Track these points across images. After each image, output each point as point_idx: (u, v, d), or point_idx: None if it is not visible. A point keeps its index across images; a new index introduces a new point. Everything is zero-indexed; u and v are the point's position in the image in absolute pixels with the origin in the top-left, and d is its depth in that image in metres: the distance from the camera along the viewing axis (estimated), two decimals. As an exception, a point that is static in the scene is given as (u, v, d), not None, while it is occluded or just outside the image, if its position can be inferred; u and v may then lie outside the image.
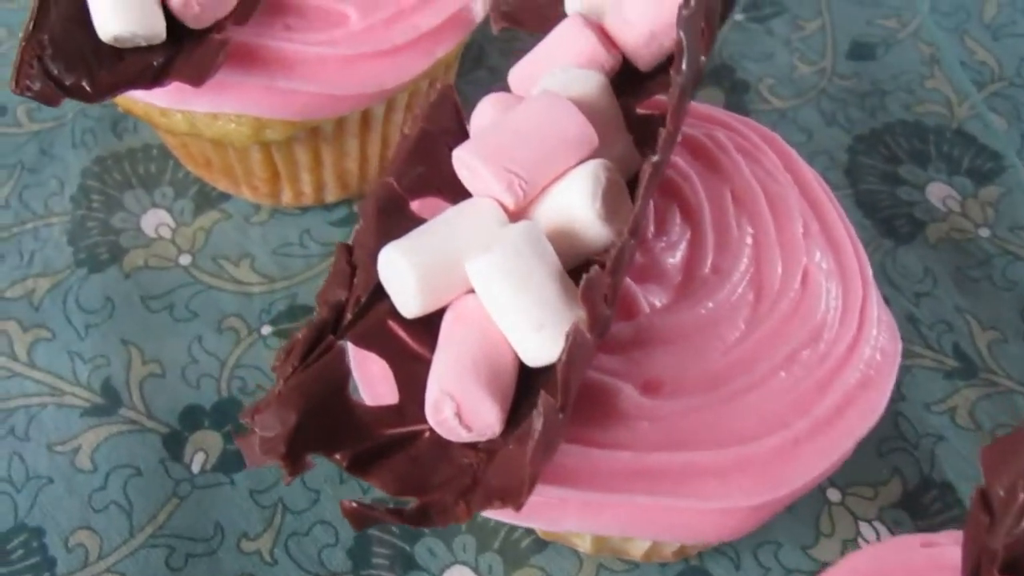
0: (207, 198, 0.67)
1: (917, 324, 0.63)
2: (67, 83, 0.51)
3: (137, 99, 0.56)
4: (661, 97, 0.53)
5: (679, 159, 0.53)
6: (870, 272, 0.51)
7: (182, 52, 0.53)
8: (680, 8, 0.48)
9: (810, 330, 0.48)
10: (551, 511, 0.46)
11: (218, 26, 0.53)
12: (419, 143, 0.49)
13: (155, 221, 0.66)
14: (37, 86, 0.50)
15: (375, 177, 0.65)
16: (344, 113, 0.57)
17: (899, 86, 0.72)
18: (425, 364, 0.44)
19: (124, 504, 0.56)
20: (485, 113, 0.49)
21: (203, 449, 0.58)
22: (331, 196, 0.65)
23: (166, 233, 0.65)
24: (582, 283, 0.41)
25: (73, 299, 0.63)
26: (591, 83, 0.48)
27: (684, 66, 0.47)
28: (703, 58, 0.50)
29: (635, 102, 0.52)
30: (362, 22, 0.56)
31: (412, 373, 0.45)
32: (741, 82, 0.72)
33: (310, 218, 0.66)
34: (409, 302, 0.44)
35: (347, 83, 0.55)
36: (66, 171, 0.67)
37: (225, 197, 0.67)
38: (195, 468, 0.57)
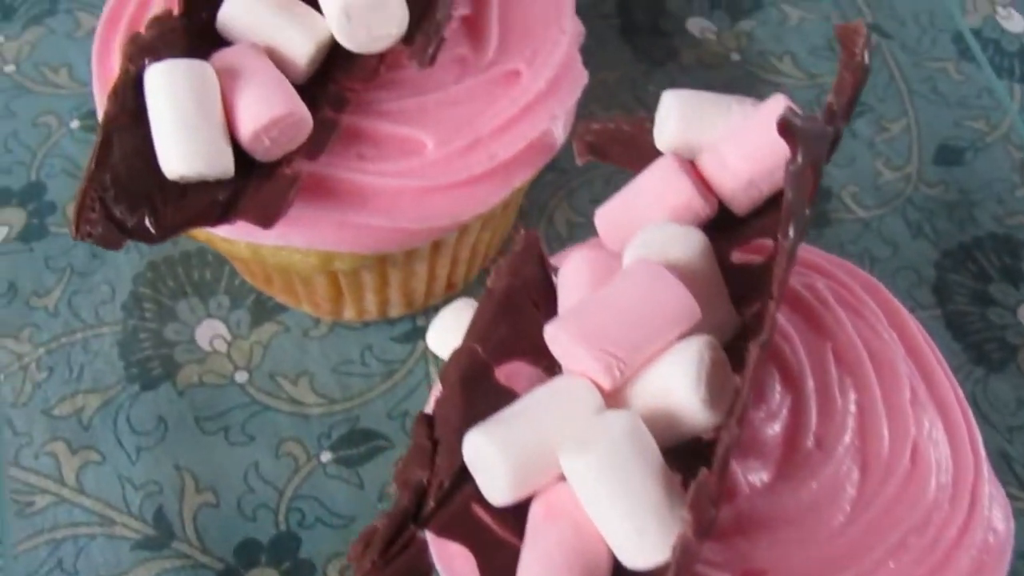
0: (264, 308, 0.64)
1: (1011, 462, 0.60)
2: (129, 225, 0.48)
3: (199, 225, 0.53)
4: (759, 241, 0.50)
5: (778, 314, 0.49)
6: (980, 442, 0.48)
7: (249, 186, 0.50)
8: (787, 164, 0.45)
9: (920, 513, 0.45)
10: None
11: (287, 158, 0.50)
12: (504, 301, 0.46)
13: (210, 333, 0.63)
14: (99, 231, 0.47)
15: (441, 293, 0.62)
16: (417, 245, 0.54)
17: (988, 195, 0.69)
18: (512, 551, 0.41)
19: (177, 651, 0.53)
20: (576, 273, 0.46)
21: (260, 589, 0.55)
22: (395, 312, 0.62)
23: (221, 347, 0.62)
24: (691, 492, 0.38)
25: (124, 418, 0.60)
26: (691, 245, 0.45)
27: (792, 231, 0.44)
28: (808, 211, 0.46)
29: (729, 247, 0.49)
30: (438, 151, 0.53)
31: (497, 562, 0.42)
32: (823, 189, 0.69)
33: (372, 333, 0.63)
34: (498, 492, 0.41)
35: (422, 216, 0.52)
36: (117, 276, 0.64)
37: (283, 307, 0.63)
38: (251, 611, 0.55)
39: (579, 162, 0.53)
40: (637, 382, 0.42)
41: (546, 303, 0.47)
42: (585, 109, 0.59)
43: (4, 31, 0.73)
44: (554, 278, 0.48)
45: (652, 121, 0.53)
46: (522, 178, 0.55)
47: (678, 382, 0.41)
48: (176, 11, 0.51)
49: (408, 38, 0.51)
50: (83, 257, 0.65)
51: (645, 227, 0.46)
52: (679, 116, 0.50)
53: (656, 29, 0.74)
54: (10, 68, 0.72)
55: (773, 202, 0.49)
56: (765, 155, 0.48)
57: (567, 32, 0.57)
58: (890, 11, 0.76)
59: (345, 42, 0.51)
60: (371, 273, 0.57)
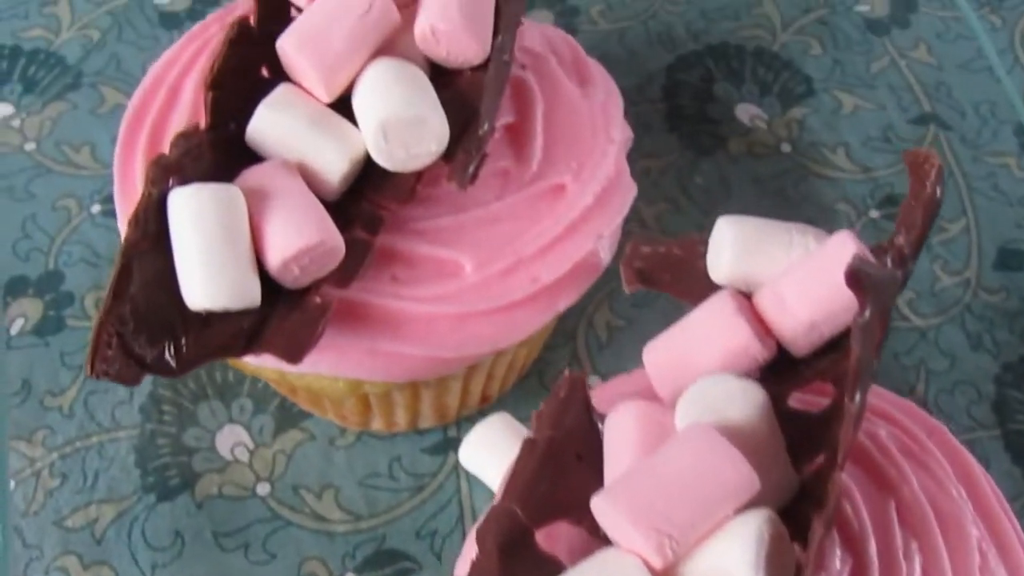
0: (289, 414, 0.60)
1: (1076, 603, 0.56)
2: (148, 359, 0.45)
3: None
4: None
5: (838, 470, 0.46)
6: (1053, 612, 0.44)
7: (276, 315, 0.47)
8: (855, 317, 0.42)
9: None
10: None
11: (316, 284, 0.47)
12: (546, 454, 0.43)
13: (231, 440, 0.60)
14: (115, 368, 0.44)
15: (475, 405, 0.59)
16: (451, 372, 0.51)
17: (1053, 304, 0.65)
18: None
19: None
20: (624, 428, 0.43)
21: None
22: (425, 424, 0.59)
23: (243, 455, 0.59)
24: None
25: (139, 532, 0.57)
26: (750, 404, 0.42)
27: (858, 395, 0.41)
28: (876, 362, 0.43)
29: (787, 390, 0.46)
30: (477, 274, 0.50)
31: None
32: (877, 295, 0.65)
33: (400, 443, 0.60)
34: None
35: (458, 344, 0.49)
36: (137, 375, 0.61)
37: (308, 413, 0.60)
38: None
39: (628, 290, 0.49)
40: (690, 561, 0.39)
41: (591, 455, 0.44)
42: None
43: (25, 106, 0.70)
44: (600, 425, 0.45)
45: (704, 244, 0.50)
46: (566, 302, 0.51)
47: (735, 564, 0.38)
48: (203, 124, 0.48)
49: (448, 155, 0.48)
50: (101, 354, 0.62)
51: (700, 380, 0.43)
52: (734, 247, 0.47)
53: (704, 116, 0.71)
54: (30, 146, 0.69)
55: (834, 343, 0.46)
56: (829, 298, 0.45)
57: (616, 141, 0.54)
58: (949, 100, 0.72)
59: (382, 161, 0.48)
60: (402, 393, 0.54)
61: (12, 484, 0.58)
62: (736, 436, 0.40)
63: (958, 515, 0.45)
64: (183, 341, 0.45)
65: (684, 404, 0.42)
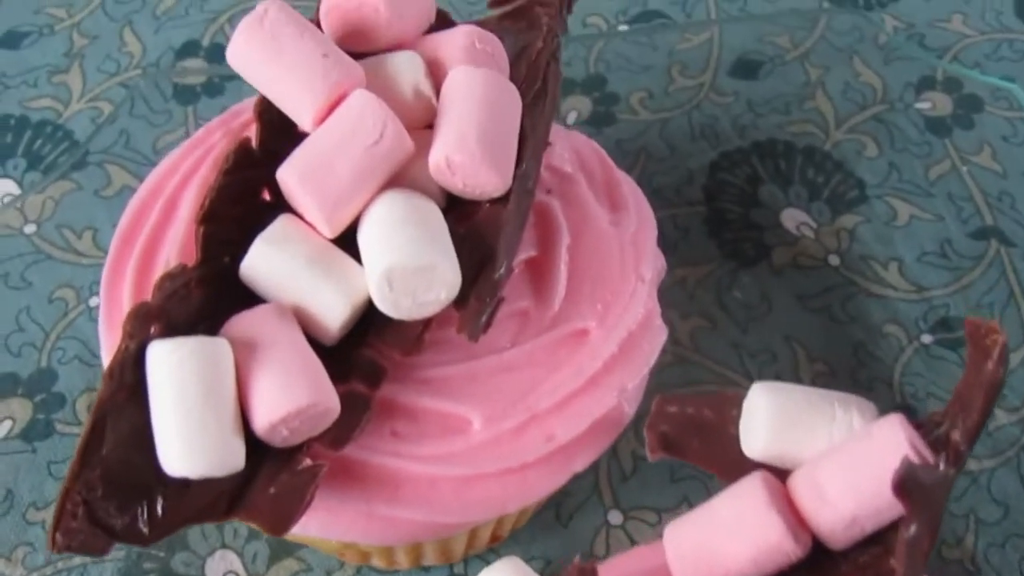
0: (284, 541, 0.56)
1: None
2: (118, 527, 0.41)
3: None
4: None
5: None
6: None
7: (261, 475, 0.43)
8: (901, 530, 0.37)
9: None
10: None
11: (308, 443, 0.43)
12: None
13: (223, 567, 0.56)
14: (79, 540, 0.40)
15: (483, 546, 0.55)
16: (453, 535, 0.47)
17: (1116, 444, 0.60)
18: None
19: None
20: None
21: None
22: (429, 562, 0.55)
23: (234, 586, 0.55)
24: None
25: (119, 670, 0.53)
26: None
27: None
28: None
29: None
30: (486, 431, 0.45)
31: None
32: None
33: (403, 581, 0.56)
34: None
35: (462, 509, 0.45)
36: (126, 491, 0.58)
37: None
38: None
39: (651, 459, 0.45)
40: None
41: (600, 659, 0.40)
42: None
43: (28, 184, 0.67)
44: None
45: (738, 406, 0.45)
46: (583, 463, 0.47)
47: None
48: (192, 262, 0.44)
49: (460, 301, 0.44)
50: (90, 464, 0.58)
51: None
52: (770, 421, 0.43)
53: (747, 221, 0.66)
54: (30, 228, 0.65)
55: (877, 536, 0.42)
56: (874, 492, 0.40)
57: (647, 279, 0.50)
58: (1012, 212, 0.67)
59: (386, 310, 0.43)
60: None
61: (-13, 608, 0.54)
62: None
63: None
64: (158, 506, 0.41)
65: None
